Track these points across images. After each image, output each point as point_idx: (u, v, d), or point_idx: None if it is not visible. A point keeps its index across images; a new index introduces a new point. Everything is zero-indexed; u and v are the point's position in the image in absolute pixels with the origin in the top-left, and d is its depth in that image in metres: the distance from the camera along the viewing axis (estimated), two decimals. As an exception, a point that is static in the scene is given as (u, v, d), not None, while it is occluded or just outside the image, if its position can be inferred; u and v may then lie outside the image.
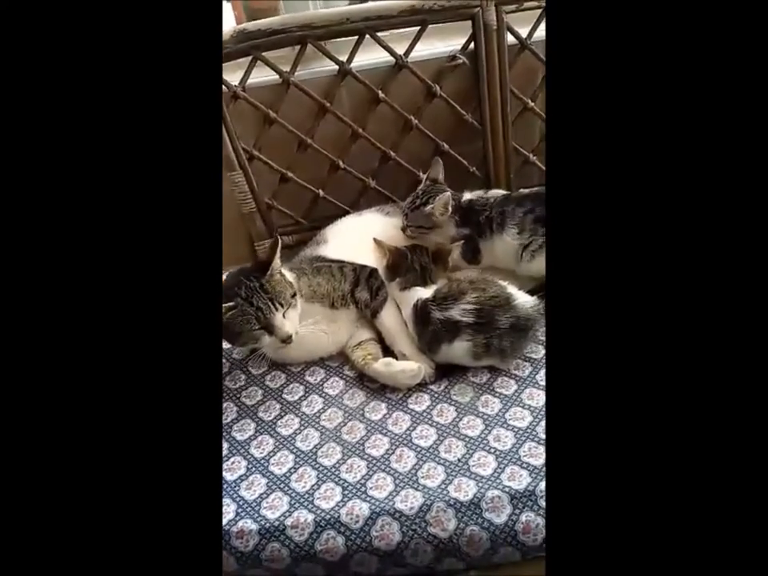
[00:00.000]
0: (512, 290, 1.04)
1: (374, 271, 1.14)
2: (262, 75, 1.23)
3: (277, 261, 1.03)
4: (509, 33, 1.24)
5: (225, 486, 0.89)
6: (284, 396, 1.05)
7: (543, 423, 0.90)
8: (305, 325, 1.05)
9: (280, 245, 1.04)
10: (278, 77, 1.22)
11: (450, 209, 1.16)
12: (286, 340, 1.01)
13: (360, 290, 1.12)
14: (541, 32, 1.26)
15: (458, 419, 0.94)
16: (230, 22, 1.39)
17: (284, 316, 1.01)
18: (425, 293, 1.06)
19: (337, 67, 1.23)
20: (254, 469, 0.92)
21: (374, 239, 1.16)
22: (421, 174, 1.34)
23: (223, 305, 0.95)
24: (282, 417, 1.01)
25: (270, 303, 0.99)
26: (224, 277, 1.04)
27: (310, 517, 0.83)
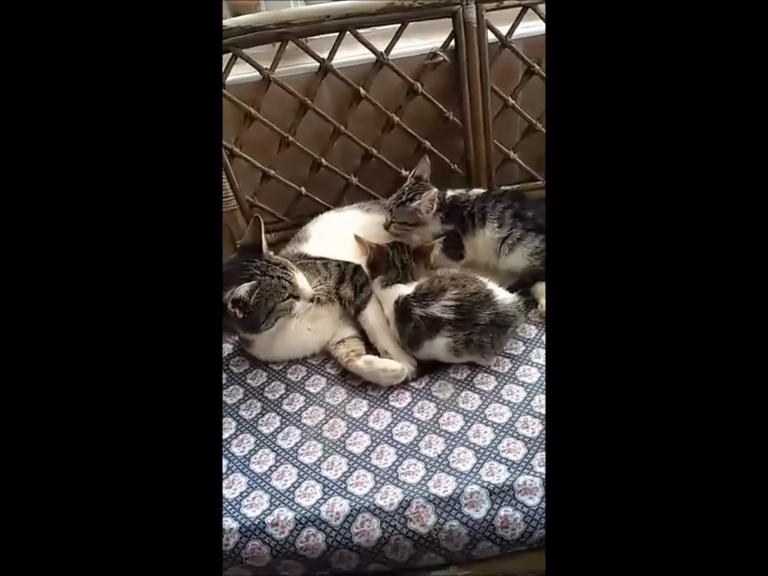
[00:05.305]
0: (492, 286, 1.04)
1: (358, 268, 1.15)
2: (243, 72, 1.23)
3: (264, 238, 1.06)
4: (489, 31, 1.24)
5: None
6: (265, 394, 1.05)
7: (522, 419, 0.91)
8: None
9: (263, 223, 1.06)
10: (258, 74, 1.21)
11: (436, 206, 1.17)
12: (312, 299, 1.03)
13: (344, 286, 1.12)
14: (521, 30, 1.26)
15: (438, 415, 0.94)
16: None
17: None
18: (406, 290, 1.06)
19: (318, 64, 1.23)
20: (234, 467, 0.92)
21: (356, 236, 1.16)
22: (403, 171, 1.34)
23: (245, 287, 0.95)
24: (263, 415, 1.01)
25: (286, 270, 1.01)
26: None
27: (291, 514, 0.83)
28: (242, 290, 0.95)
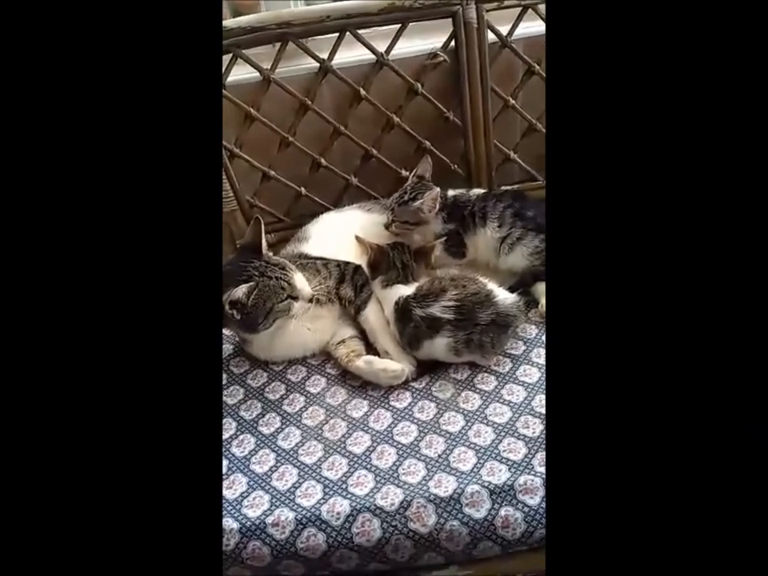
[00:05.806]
0: (492, 286, 1.04)
1: (358, 268, 1.15)
2: (243, 73, 1.23)
3: (264, 239, 1.06)
4: (489, 31, 1.24)
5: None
6: (266, 395, 1.05)
7: (522, 418, 0.91)
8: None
9: (263, 223, 1.06)
10: (258, 74, 1.21)
11: (438, 205, 1.17)
12: (311, 299, 1.04)
13: (344, 286, 1.12)
14: (521, 30, 1.26)
15: (438, 415, 0.94)
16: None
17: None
18: (406, 290, 1.06)
19: (318, 65, 1.23)
20: (234, 468, 0.92)
21: (356, 236, 1.16)
22: (403, 171, 1.35)
23: (243, 288, 0.95)
24: (263, 416, 1.01)
25: (284, 271, 1.01)
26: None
27: (291, 515, 0.83)
28: (240, 291, 0.95)
